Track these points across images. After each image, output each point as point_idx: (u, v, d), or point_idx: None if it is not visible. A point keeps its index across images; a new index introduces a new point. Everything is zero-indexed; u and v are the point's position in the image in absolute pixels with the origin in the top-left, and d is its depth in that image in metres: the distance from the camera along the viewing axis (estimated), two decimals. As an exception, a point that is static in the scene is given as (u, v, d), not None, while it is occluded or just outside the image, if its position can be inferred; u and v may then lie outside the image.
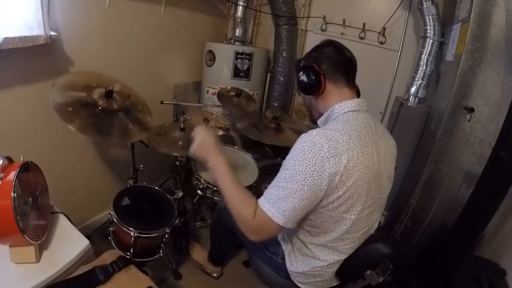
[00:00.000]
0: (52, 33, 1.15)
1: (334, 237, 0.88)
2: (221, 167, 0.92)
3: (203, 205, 2.02)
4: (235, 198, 0.86)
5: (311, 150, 0.76)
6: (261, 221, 0.81)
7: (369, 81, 2.09)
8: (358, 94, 0.95)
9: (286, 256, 1.01)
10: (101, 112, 1.19)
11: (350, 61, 0.91)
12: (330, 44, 0.91)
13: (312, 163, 0.75)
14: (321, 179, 0.75)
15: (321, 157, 0.75)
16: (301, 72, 0.89)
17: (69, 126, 1.04)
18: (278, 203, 0.79)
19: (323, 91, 0.89)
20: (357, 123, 0.84)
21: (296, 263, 0.98)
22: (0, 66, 1.11)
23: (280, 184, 0.80)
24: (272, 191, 0.81)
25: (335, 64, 0.89)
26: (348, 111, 0.86)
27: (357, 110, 0.87)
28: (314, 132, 0.80)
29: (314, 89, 0.89)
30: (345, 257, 0.94)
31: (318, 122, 0.95)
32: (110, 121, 1.21)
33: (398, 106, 1.77)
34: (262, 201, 0.82)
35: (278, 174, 0.83)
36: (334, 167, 0.75)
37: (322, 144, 0.75)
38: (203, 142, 0.99)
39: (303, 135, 0.81)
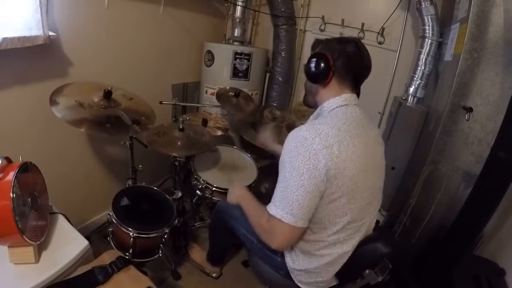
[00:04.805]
0: (51, 33, 1.15)
1: (334, 231, 0.89)
2: (247, 198, 1.06)
3: (202, 205, 2.01)
4: (255, 215, 0.95)
5: (303, 145, 0.78)
6: (273, 224, 0.83)
7: (367, 81, 2.07)
8: (357, 96, 0.95)
9: (287, 254, 1.01)
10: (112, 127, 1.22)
11: (365, 68, 0.91)
12: (354, 44, 0.87)
13: (306, 157, 0.77)
14: (318, 170, 0.77)
15: (314, 149, 0.77)
16: (314, 59, 0.86)
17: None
18: (283, 203, 0.80)
19: (327, 85, 0.90)
20: (346, 116, 0.85)
21: (298, 261, 0.98)
22: (-1, 66, 1.11)
23: (281, 185, 0.82)
24: (276, 193, 0.83)
25: (350, 66, 0.88)
26: (336, 107, 0.88)
27: (345, 105, 0.88)
28: (303, 127, 0.82)
29: (319, 80, 0.89)
30: (343, 250, 0.93)
31: (309, 119, 0.97)
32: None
33: (397, 106, 1.77)
34: (270, 205, 0.85)
35: (279, 175, 0.84)
36: (327, 157, 0.76)
37: (313, 138, 0.78)
38: (238, 191, 1.15)
39: (292, 131, 0.82)
